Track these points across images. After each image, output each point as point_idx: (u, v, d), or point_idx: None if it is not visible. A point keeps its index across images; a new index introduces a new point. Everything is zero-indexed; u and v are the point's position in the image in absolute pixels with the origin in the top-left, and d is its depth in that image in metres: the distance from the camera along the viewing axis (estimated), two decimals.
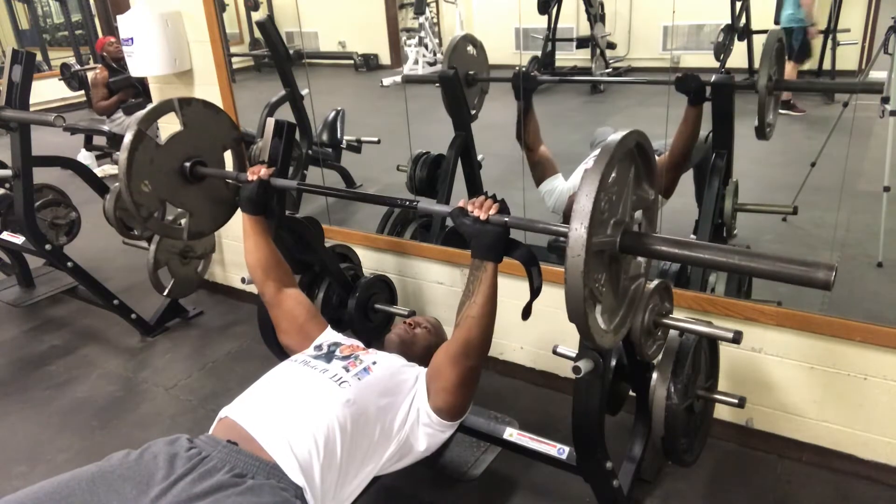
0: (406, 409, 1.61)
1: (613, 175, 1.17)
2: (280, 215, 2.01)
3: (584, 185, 1.10)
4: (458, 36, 2.91)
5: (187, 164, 1.91)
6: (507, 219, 1.44)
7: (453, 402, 1.60)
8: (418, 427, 1.61)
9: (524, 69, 2.67)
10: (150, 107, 1.86)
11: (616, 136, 1.17)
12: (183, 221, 1.99)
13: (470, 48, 2.94)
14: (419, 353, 1.87)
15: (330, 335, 1.85)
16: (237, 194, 1.92)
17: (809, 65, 4.08)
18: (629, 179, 1.26)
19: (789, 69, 3.45)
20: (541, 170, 2.77)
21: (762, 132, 2.23)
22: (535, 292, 1.49)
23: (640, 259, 1.36)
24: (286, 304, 1.87)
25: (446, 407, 1.60)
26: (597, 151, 2.84)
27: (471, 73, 2.89)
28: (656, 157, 2.77)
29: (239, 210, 1.94)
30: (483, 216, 1.46)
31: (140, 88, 5.21)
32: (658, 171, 2.32)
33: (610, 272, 1.24)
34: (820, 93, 2.49)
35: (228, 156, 2.12)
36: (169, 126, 2.01)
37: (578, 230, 1.09)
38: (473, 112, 2.94)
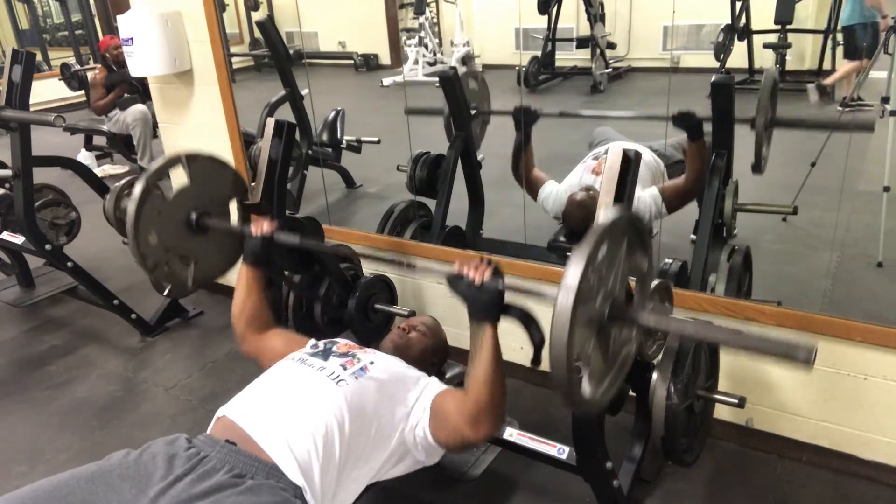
0: (405, 415, 1.61)
1: (603, 252, 1.19)
2: (279, 214, 2.02)
3: (573, 261, 1.13)
4: (461, 73, 2.92)
5: (193, 216, 1.97)
6: (501, 282, 1.46)
7: (457, 446, 1.60)
8: (416, 442, 1.61)
9: (525, 106, 2.72)
10: (158, 162, 1.92)
11: (608, 216, 1.20)
12: (189, 269, 2.04)
13: (472, 83, 2.99)
14: (414, 356, 1.87)
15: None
16: (241, 243, 1.95)
17: (809, 64, 4.09)
18: (621, 253, 1.28)
19: (850, 68, 3.42)
20: (534, 185, 2.81)
21: (758, 167, 2.32)
22: (538, 347, 1.50)
23: (629, 331, 1.37)
24: (269, 344, 1.86)
25: (448, 446, 1.60)
26: (595, 151, 2.86)
27: (473, 106, 2.95)
28: (655, 154, 2.78)
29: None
30: (478, 280, 1.47)
31: (136, 85, 5.21)
32: (667, 186, 2.32)
33: (599, 340, 1.25)
34: (811, 129, 2.55)
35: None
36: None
37: (562, 315, 1.10)
38: (480, 157, 3.02)
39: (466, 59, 5.51)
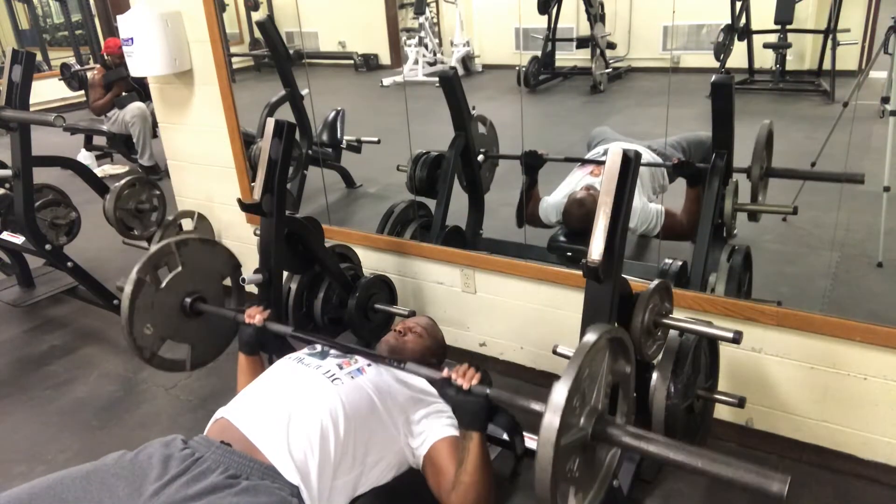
0: (408, 426, 1.62)
1: (587, 371, 1.20)
2: (279, 214, 2.02)
3: (554, 394, 1.13)
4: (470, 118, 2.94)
5: (188, 301, 1.99)
6: (488, 391, 1.48)
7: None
8: (414, 459, 1.64)
9: (532, 151, 2.76)
10: (147, 255, 1.92)
11: (590, 338, 1.20)
12: (186, 354, 2.07)
13: (480, 127, 3.01)
14: (411, 359, 1.87)
15: None
16: (236, 326, 1.96)
17: (809, 64, 4.08)
18: (604, 367, 1.29)
19: None
20: (535, 215, 2.84)
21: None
22: (519, 458, 1.55)
23: (607, 456, 1.37)
24: None
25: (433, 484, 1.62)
26: (593, 151, 2.86)
27: (482, 150, 2.98)
28: (655, 153, 2.79)
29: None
30: (465, 385, 1.49)
31: (133, 83, 5.22)
32: (667, 212, 2.31)
33: (584, 454, 1.26)
34: (808, 180, 2.59)
35: None
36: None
37: (546, 447, 1.11)
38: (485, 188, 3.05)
39: (466, 59, 5.51)
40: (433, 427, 1.64)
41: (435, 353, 1.99)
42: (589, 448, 1.26)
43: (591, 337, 1.21)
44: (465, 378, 1.49)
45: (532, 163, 2.77)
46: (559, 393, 1.13)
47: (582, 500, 1.27)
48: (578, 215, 2.56)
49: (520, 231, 2.79)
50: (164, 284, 1.92)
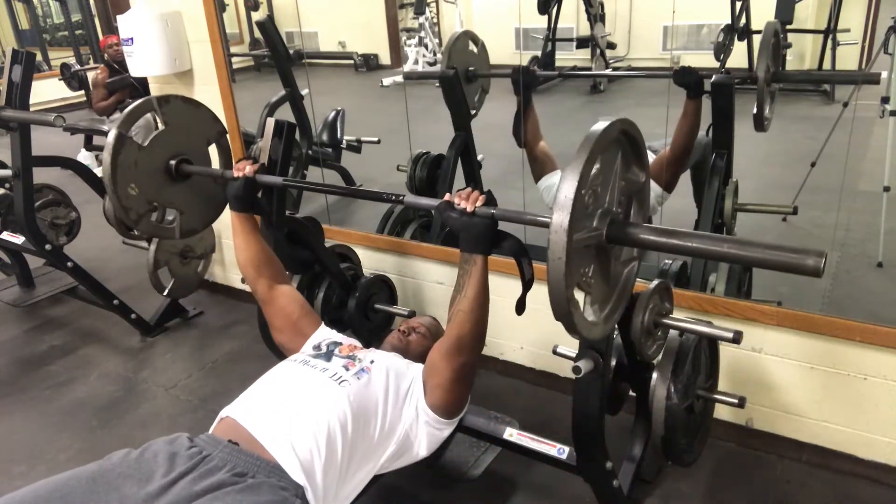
0: (405, 407, 1.62)
1: (597, 166, 1.13)
2: (279, 214, 2.01)
3: (565, 180, 1.07)
4: (459, 32, 2.89)
5: (172, 163, 1.90)
6: (493, 211, 1.42)
7: (449, 399, 1.60)
8: (417, 425, 1.61)
9: (524, 66, 2.69)
10: (128, 108, 1.83)
11: (598, 126, 1.13)
12: (175, 220, 1.97)
13: (471, 45, 2.92)
14: (414, 358, 1.87)
15: (326, 333, 1.84)
16: (225, 190, 1.90)
17: (809, 64, 4.08)
18: (616, 167, 1.23)
19: None
20: (539, 166, 2.77)
21: (760, 123, 2.19)
22: (527, 284, 1.46)
23: (626, 254, 1.34)
24: (279, 301, 1.85)
25: (442, 404, 1.60)
26: None
27: (471, 69, 2.88)
28: (654, 154, 2.78)
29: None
30: (469, 208, 1.43)
31: (139, 88, 5.21)
32: (651, 163, 2.29)
33: (599, 262, 1.20)
34: (819, 83, 2.46)
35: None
36: None
37: (558, 233, 1.05)
38: (474, 112, 2.94)
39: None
40: (416, 375, 1.66)
41: None
42: (604, 254, 1.19)
43: (600, 125, 1.11)
44: (469, 201, 1.43)
45: (524, 80, 2.67)
46: (570, 176, 1.04)
47: (598, 313, 1.21)
48: None
49: (520, 230, 2.78)
50: (146, 143, 1.83)
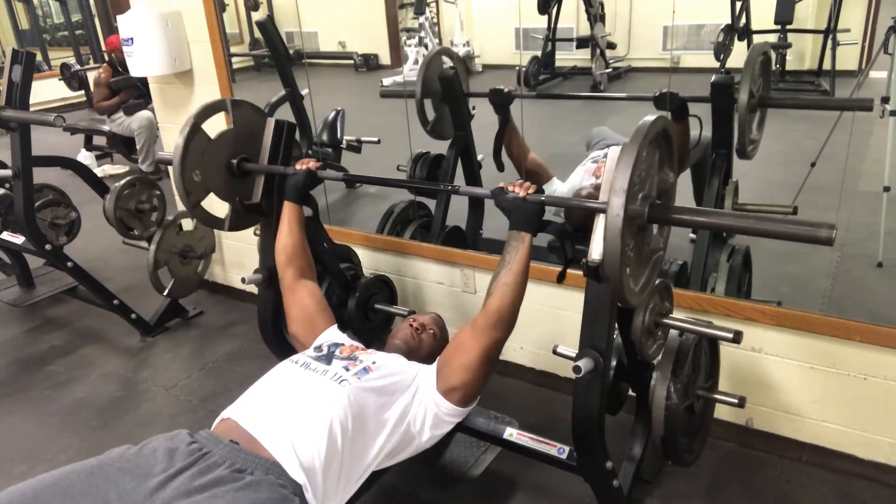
0: (406, 405, 1.62)
1: (644, 153, 1.28)
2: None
3: (622, 158, 1.23)
4: (432, 53, 2.88)
5: (234, 161, 2.01)
6: (543, 197, 1.57)
7: (470, 380, 1.60)
8: (420, 418, 1.62)
9: (499, 88, 2.72)
10: (205, 104, 1.97)
11: (649, 118, 1.30)
12: (227, 214, 2.08)
13: (446, 60, 2.90)
14: (424, 357, 1.88)
15: (333, 334, 1.86)
16: (281, 185, 2.03)
17: (809, 64, 4.08)
18: (655, 161, 1.37)
19: None
20: (535, 178, 2.78)
21: (743, 151, 2.20)
22: (569, 262, 1.61)
23: (659, 236, 1.47)
24: (300, 292, 1.95)
25: (461, 386, 1.61)
26: (594, 154, 2.86)
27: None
28: None
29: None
30: (522, 194, 1.57)
31: (142, 89, 5.21)
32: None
33: (637, 240, 1.34)
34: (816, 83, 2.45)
35: None
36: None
37: (618, 197, 1.22)
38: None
39: (466, 59, 5.50)
40: (425, 374, 1.69)
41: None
42: (641, 234, 1.36)
43: (649, 118, 1.30)
44: (522, 188, 1.58)
45: (499, 101, 2.72)
46: (630, 147, 1.23)
47: (634, 283, 1.37)
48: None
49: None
50: (215, 137, 1.96)
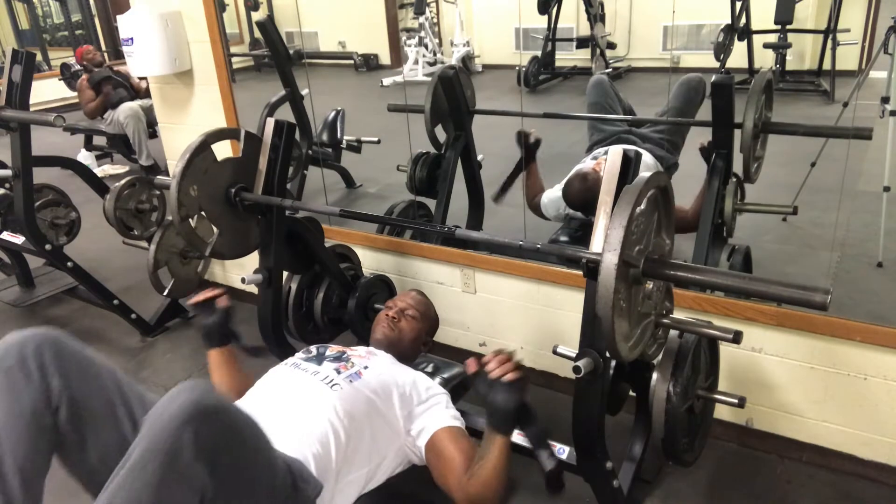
0: (407, 424, 1.61)
1: (642, 207, 1.24)
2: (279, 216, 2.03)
3: (620, 206, 1.19)
4: (436, 76, 2.85)
5: (233, 190, 2.00)
6: (519, 396, 1.42)
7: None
8: (415, 455, 1.63)
9: (528, 134, 2.74)
10: (220, 127, 2.00)
11: (646, 175, 1.27)
12: (212, 238, 2.06)
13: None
14: (408, 345, 1.87)
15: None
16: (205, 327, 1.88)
17: (809, 64, 4.08)
18: (653, 220, 1.33)
19: None
20: (536, 203, 2.81)
21: (748, 175, 2.23)
22: (549, 476, 1.41)
23: (651, 300, 1.39)
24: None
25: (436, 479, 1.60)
26: (595, 153, 2.86)
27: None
28: (679, 206, 2.77)
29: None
30: (496, 374, 1.43)
31: (117, 78, 5.30)
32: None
33: (629, 293, 1.27)
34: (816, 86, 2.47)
35: None
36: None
37: (612, 244, 1.18)
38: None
39: (466, 59, 5.51)
40: (433, 417, 1.63)
41: (430, 332, 2.01)
42: (635, 286, 1.30)
43: (646, 174, 1.26)
44: (501, 367, 1.42)
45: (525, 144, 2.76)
46: (625, 205, 1.18)
47: (625, 340, 1.31)
48: (580, 188, 2.50)
49: (520, 231, 2.78)
50: (221, 160, 1.96)
